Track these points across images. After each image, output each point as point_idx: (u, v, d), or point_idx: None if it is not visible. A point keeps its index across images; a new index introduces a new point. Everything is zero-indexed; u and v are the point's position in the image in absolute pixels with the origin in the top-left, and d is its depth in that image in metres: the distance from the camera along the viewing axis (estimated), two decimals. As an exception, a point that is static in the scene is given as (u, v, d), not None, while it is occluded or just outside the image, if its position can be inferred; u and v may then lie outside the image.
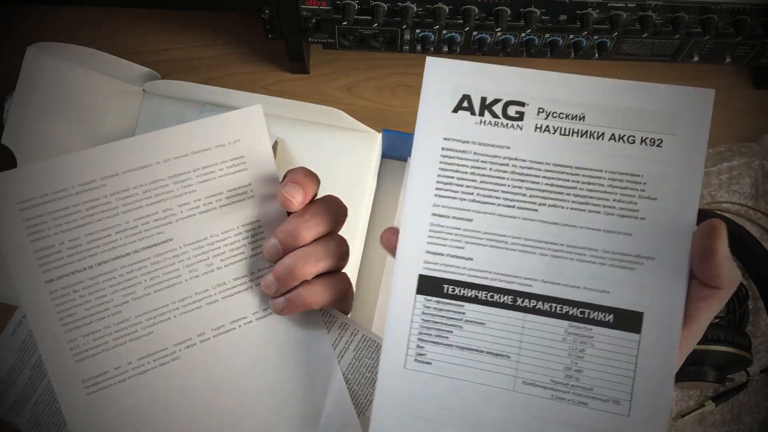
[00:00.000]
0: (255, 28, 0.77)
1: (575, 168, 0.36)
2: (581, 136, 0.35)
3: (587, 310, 0.37)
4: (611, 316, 0.36)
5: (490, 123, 0.36)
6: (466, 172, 0.37)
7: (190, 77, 0.72)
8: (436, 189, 0.37)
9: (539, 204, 0.36)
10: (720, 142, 0.73)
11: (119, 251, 0.42)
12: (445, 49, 0.68)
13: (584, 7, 0.63)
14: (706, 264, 0.35)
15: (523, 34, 0.67)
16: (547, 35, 0.67)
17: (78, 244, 0.41)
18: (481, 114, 0.37)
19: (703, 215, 0.70)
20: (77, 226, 0.41)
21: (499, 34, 0.67)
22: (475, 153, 0.37)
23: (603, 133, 0.35)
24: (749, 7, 0.62)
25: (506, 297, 0.37)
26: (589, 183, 0.36)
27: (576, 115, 0.35)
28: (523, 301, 0.37)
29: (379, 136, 0.66)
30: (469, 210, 0.37)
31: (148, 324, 0.42)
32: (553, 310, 0.37)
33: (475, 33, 0.67)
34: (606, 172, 0.36)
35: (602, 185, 0.36)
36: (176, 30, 0.78)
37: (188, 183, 0.43)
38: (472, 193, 0.37)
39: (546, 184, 0.36)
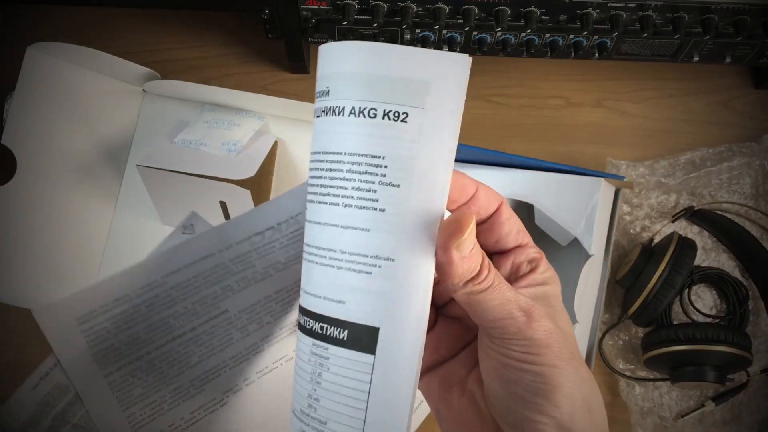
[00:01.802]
0: (255, 28, 0.77)
1: (319, 153, 0.30)
2: (326, 114, 0.29)
3: (325, 325, 0.30)
4: (345, 332, 0.30)
5: None
6: None
7: (190, 77, 0.72)
8: None
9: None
10: (720, 142, 0.73)
11: (176, 332, 0.42)
12: (445, 48, 0.68)
13: (584, 7, 0.63)
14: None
15: (523, 34, 0.67)
16: (547, 35, 0.67)
17: (137, 337, 0.41)
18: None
19: (704, 215, 0.70)
20: (136, 323, 0.41)
21: (499, 34, 0.67)
22: None
23: (344, 107, 0.28)
24: (749, 7, 0.62)
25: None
26: (330, 170, 0.29)
27: (322, 91, 0.29)
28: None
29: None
30: None
31: (200, 384, 0.43)
32: (304, 324, 0.32)
33: (475, 33, 0.67)
34: (345, 154, 0.29)
35: (341, 170, 0.29)
36: (176, 30, 0.78)
37: (248, 260, 0.42)
38: None
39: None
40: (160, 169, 0.61)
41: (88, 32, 0.77)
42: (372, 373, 0.29)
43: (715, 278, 0.69)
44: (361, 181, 0.29)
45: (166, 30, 0.78)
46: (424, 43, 0.68)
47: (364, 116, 0.28)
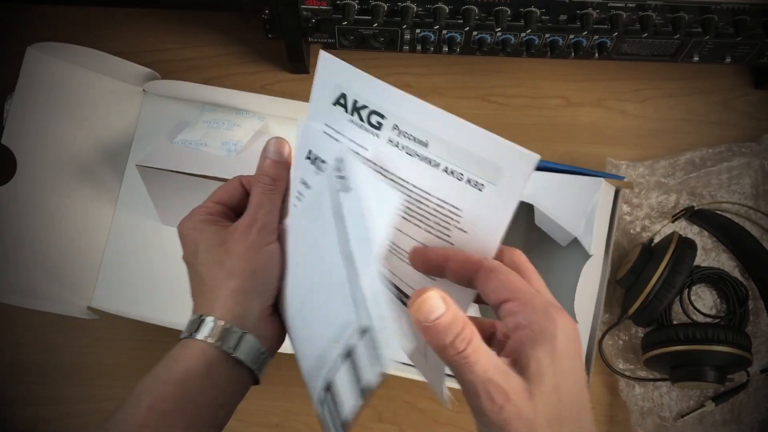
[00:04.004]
0: (255, 28, 0.77)
1: (411, 184, 0.38)
2: (422, 160, 0.38)
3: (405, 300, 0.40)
4: None
5: (356, 123, 0.39)
6: None
7: (190, 77, 0.72)
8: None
9: None
10: (720, 142, 0.73)
11: None
12: (446, 49, 0.68)
13: (584, 7, 0.63)
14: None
15: (523, 34, 0.67)
16: (547, 35, 0.67)
17: None
18: (352, 114, 0.39)
19: (704, 215, 0.70)
20: None
21: (499, 34, 0.67)
22: (342, 143, 0.40)
23: (439, 164, 0.37)
24: (749, 7, 0.62)
25: None
26: (419, 200, 0.38)
27: (421, 141, 0.38)
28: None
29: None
30: None
31: None
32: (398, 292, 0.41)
33: (475, 33, 0.67)
34: (434, 197, 0.38)
35: (428, 206, 0.38)
36: (176, 30, 0.78)
37: None
38: None
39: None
40: (160, 169, 0.61)
41: (88, 32, 0.77)
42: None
43: (715, 278, 0.69)
44: (441, 219, 0.38)
45: (166, 30, 0.78)
46: (424, 43, 0.68)
47: (453, 176, 0.37)
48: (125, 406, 0.39)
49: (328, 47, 0.70)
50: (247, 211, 0.44)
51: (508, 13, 0.64)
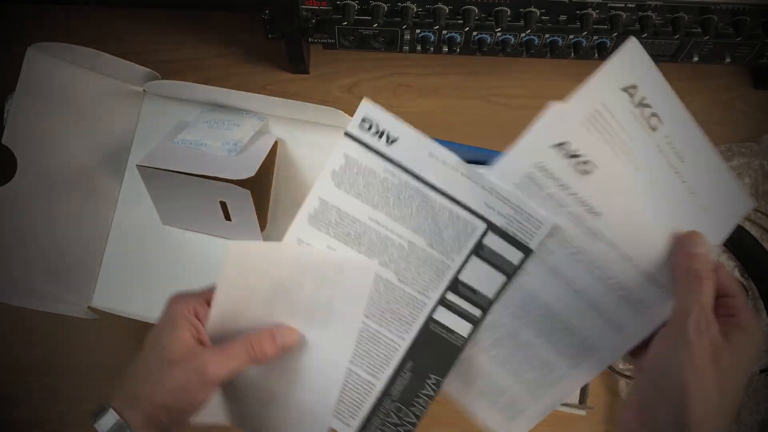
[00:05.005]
0: (255, 28, 0.77)
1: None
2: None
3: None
4: None
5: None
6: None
7: (190, 77, 0.72)
8: None
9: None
10: (720, 142, 0.73)
11: None
12: (445, 49, 0.68)
13: (584, 7, 0.63)
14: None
15: (522, 35, 0.67)
16: (546, 35, 0.67)
17: None
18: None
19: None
20: None
21: (499, 34, 0.67)
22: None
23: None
24: (749, 7, 0.62)
25: None
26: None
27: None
28: None
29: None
30: None
31: None
32: None
33: (475, 33, 0.67)
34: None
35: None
36: (176, 30, 0.78)
37: None
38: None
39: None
40: (161, 169, 0.61)
41: (88, 32, 0.77)
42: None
43: (714, 278, 0.69)
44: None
45: (166, 30, 0.78)
46: (424, 43, 0.68)
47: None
48: None
49: (328, 47, 0.71)
50: None
51: (508, 13, 0.64)
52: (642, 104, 0.41)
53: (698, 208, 0.43)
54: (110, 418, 0.43)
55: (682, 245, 0.43)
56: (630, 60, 0.41)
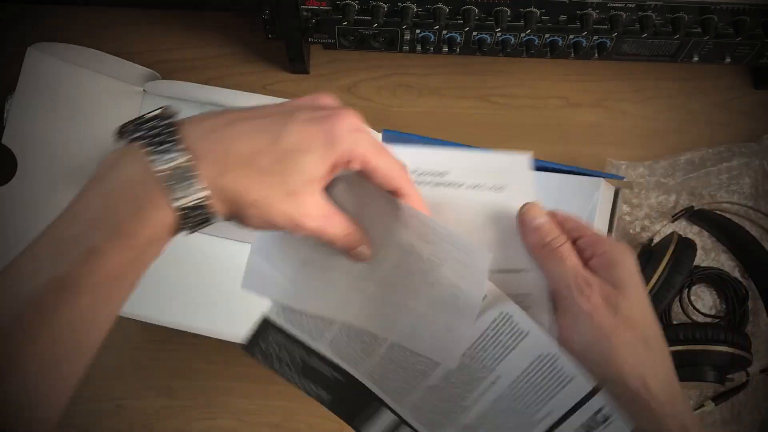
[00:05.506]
0: (255, 28, 0.77)
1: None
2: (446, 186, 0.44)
3: None
4: None
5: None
6: None
7: (190, 77, 0.72)
8: None
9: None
10: (720, 142, 0.73)
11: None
12: (445, 49, 0.68)
13: (584, 7, 0.63)
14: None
15: (522, 35, 0.67)
16: (547, 35, 0.67)
17: None
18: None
19: (704, 215, 0.70)
20: None
21: (499, 34, 0.67)
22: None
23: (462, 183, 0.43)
24: (749, 7, 0.62)
25: None
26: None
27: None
28: None
29: (379, 136, 0.66)
30: None
31: None
32: None
33: (475, 33, 0.67)
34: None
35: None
36: (176, 30, 0.78)
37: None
38: None
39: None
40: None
41: (88, 32, 0.77)
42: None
43: (714, 278, 0.69)
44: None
45: (166, 30, 0.78)
46: (423, 43, 0.68)
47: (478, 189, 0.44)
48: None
49: (328, 47, 0.71)
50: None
51: (508, 13, 0.64)
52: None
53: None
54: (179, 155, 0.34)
55: (525, 224, 0.41)
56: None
